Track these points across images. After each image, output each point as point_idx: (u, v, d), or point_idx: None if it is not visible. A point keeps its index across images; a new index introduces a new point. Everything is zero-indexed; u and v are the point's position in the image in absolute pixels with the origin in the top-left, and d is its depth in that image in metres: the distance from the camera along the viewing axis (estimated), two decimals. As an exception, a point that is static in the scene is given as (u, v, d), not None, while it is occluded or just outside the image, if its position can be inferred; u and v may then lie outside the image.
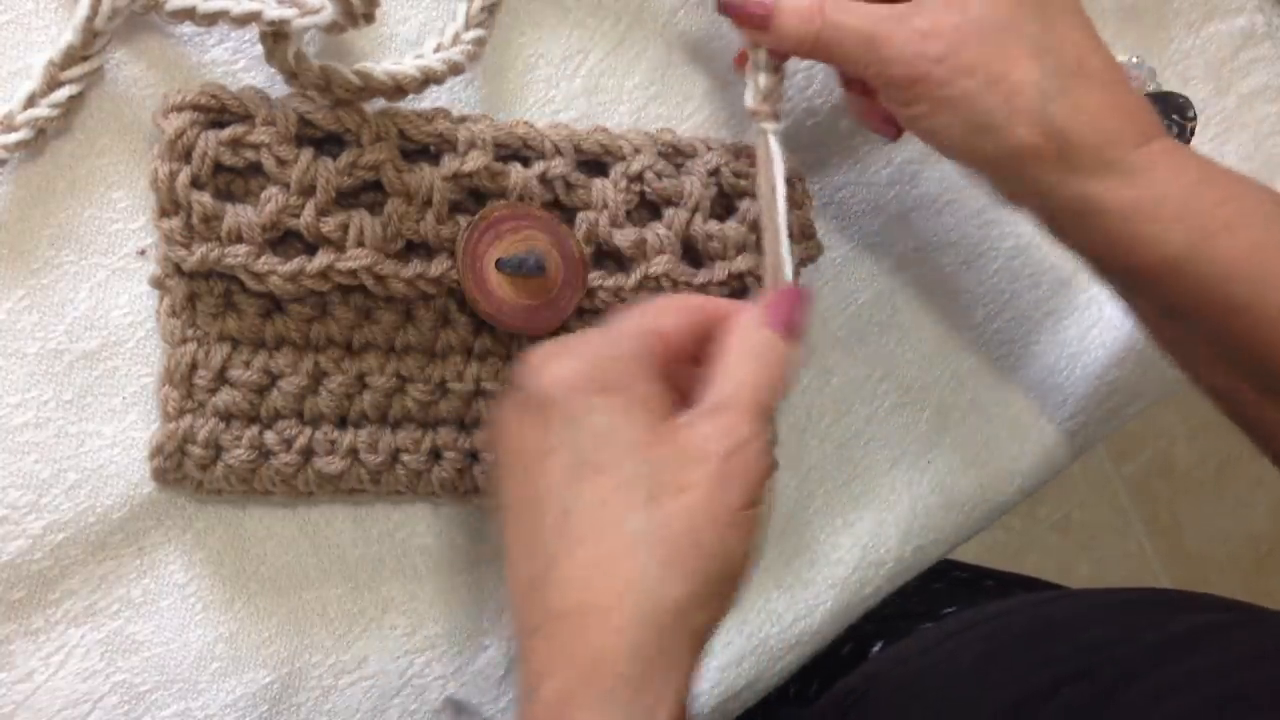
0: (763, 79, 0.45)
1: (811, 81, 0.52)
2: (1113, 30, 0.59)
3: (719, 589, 0.36)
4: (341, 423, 0.45)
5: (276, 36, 0.41)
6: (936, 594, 0.61)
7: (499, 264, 0.43)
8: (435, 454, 0.46)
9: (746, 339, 0.39)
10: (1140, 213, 0.41)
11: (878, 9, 0.42)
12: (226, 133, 0.41)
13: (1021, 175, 0.42)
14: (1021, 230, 0.57)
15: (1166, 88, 0.59)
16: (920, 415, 0.56)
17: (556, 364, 0.37)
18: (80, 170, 0.44)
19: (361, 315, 0.44)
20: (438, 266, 0.44)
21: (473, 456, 0.46)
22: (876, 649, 0.58)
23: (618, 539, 0.35)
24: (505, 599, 0.37)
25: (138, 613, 0.45)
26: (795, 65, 0.52)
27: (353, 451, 0.45)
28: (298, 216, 0.42)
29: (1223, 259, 0.41)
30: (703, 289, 0.47)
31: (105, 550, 0.45)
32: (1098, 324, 0.59)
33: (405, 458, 0.45)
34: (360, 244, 0.42)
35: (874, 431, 0.56)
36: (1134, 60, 0.58)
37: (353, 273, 0.43)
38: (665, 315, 0.40)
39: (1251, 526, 1.67)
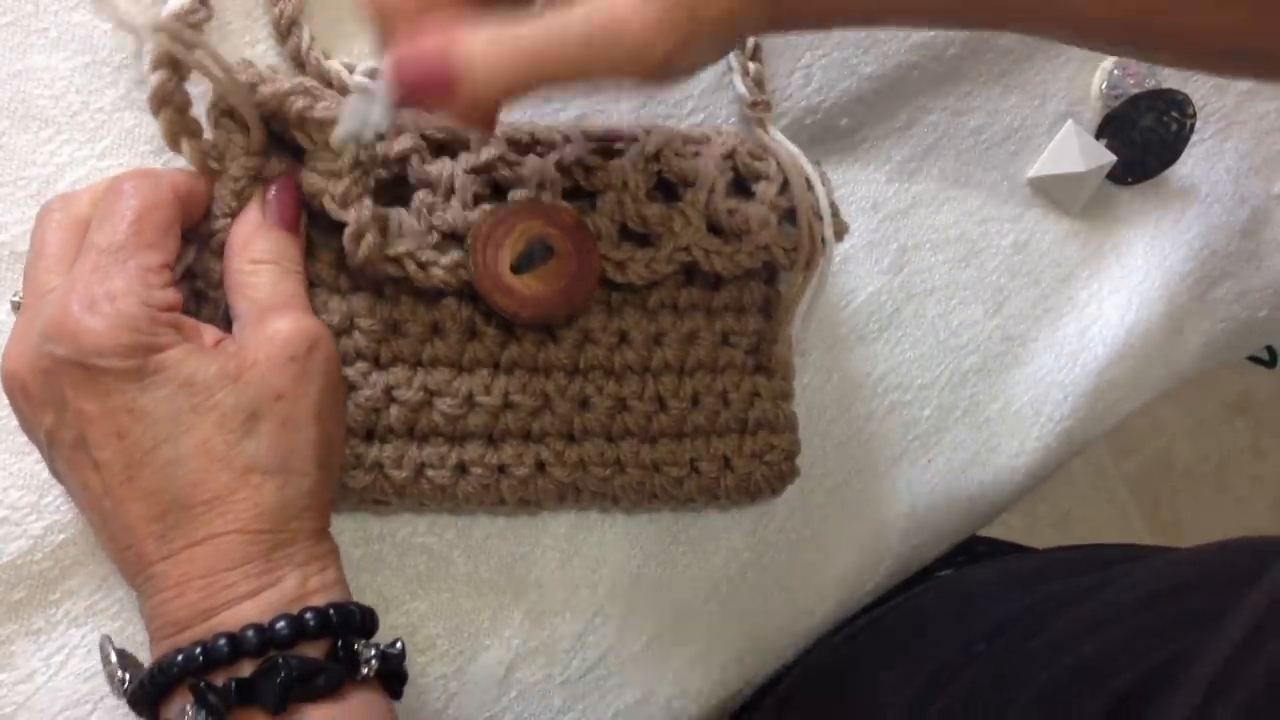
0: (751, 67, 0.46)
1: (810, 80, 0.53)
2: (1111, 28, 0.59)
3: (329, 467, 0.40)
4: (368, 437, 0.44)
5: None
6: None
7: (514, 269, 0.43)
8: (462, 468, 0.45)
9: (254, 250, 0.40)
10: None
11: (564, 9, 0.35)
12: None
13: None
14: (1021, 228, 0.57)
15: (1166, 84, 0.59)
16: (920, 414, 0.56)
17: (87, 325, 0.36)
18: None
19: (388, 328, 0.44)
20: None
21: (501, 470, 0.45)
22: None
23: (229, 470, 0.37)
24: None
25: (138, 613, 0.45)
26: (795, 64, 0.52)
27: (378, 466, 0.44)
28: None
29: None
30: (733, 259, 0.47)
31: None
32: (1097, 321, 0.59)
33: (430, 473, 0.45)
34: (400, 234, 0.42)
35: (874, 429, 0.56)
36: (1133, 58, 0.58)
37: (398, 260, 0.42)
38: (151, 242, 0.39)
39: (1251, 524, 1.67)
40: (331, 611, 0.38)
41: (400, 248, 0.42)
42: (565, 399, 0.46)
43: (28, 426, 0.40)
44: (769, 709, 0.54)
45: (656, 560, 0.52)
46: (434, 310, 0.44)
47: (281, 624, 0.36)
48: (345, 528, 0.48)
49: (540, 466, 0.46)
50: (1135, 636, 0.40)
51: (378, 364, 0.44)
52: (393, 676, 0.39)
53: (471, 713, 0.50)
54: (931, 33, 0.56)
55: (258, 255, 0.41)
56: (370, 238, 0.41)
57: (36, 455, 0.43)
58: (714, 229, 0.47)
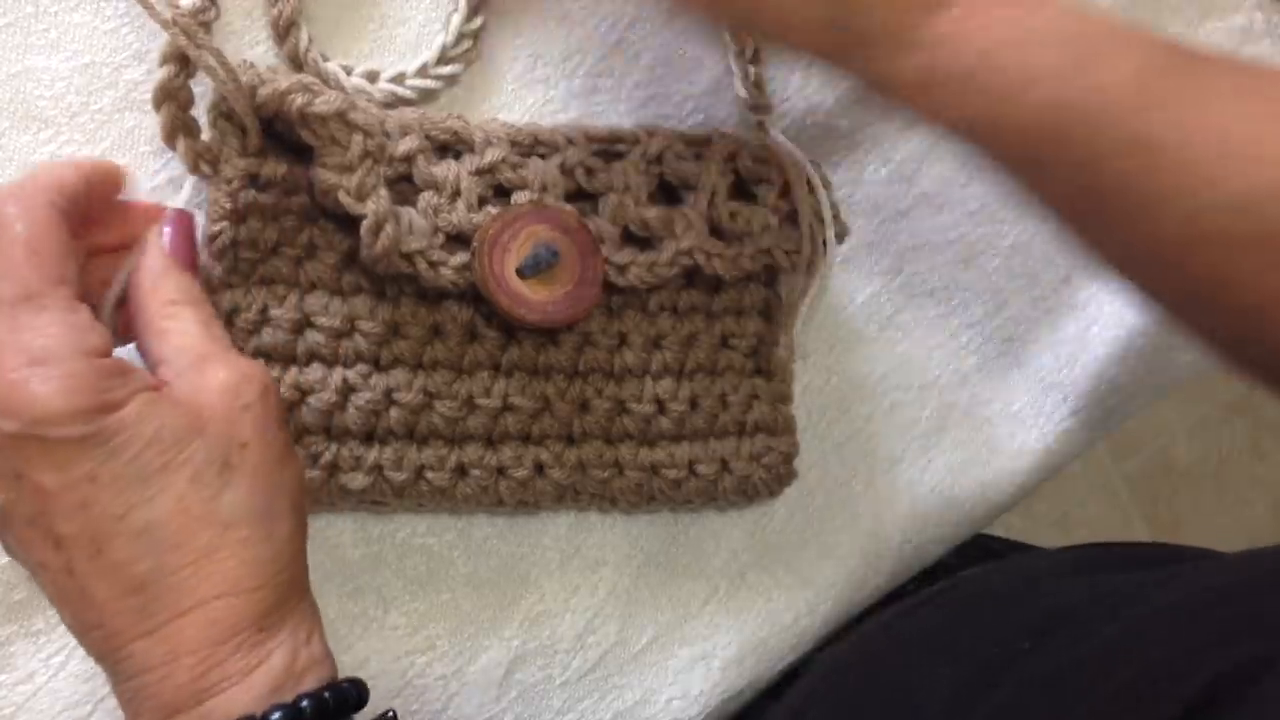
0: (751, 69, 0.46)
1: (810, 81, 0.52)
2: (1111, 28, 0.59)
3: (301, 507, 0.38)
4: (368, 439, 0.44)
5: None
6: None
7: (520, 273, 0.43)
8: (461, 470, 0.45)
9: (164, 293, 0.39)
10: (933, 83, 0.39)
11: None
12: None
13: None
14: (1020, 229, 0.57)
15: (1165, 86, 0.59)
16: (920, 415, 0.56)
17: (35, 394, 0.33)
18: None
19: (390, 330, 0.44)
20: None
21: (500, 472, 0.45)
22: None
23: (211, 526, 0.35)
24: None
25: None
26: (795, 66, 0.52)
27: (377, 468, 0.44)
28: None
29: (1021, 119, 0.38)
30: (735, 261, 0.47)
31: (106, 551, 0.44)
32: (1097, 322, 0.59)
33: (430, 475, 0.44)
34: (410, 232, 0.42)
35: (874, 430, 0.56)
36: (1133, 58, 0.58)
37: (410, 258, 0.42)
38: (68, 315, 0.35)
39: (1251, 524, 1.67)
40: (327, 695, 0.35)
41: (413, 245, 0.42)
42: (565, 401, 0.46)
43: None
44: (781, 713, 0.53)
45: (656, 561, 0.52)
46: (435, 312, 0.44)
47: (277, 716, 0.34)
48: (345, 528, 0.48)
49: (539, 468, 0.46)
50: (1202, 640, 0.38)
51: (378, 366, 0.44)
52: None
53: (471, 713, 0.50)
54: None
55: (172, 296, 0.39)
56: (390, 229, 0.41)
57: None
58: (715, 232, 0.47)
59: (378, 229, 0.41)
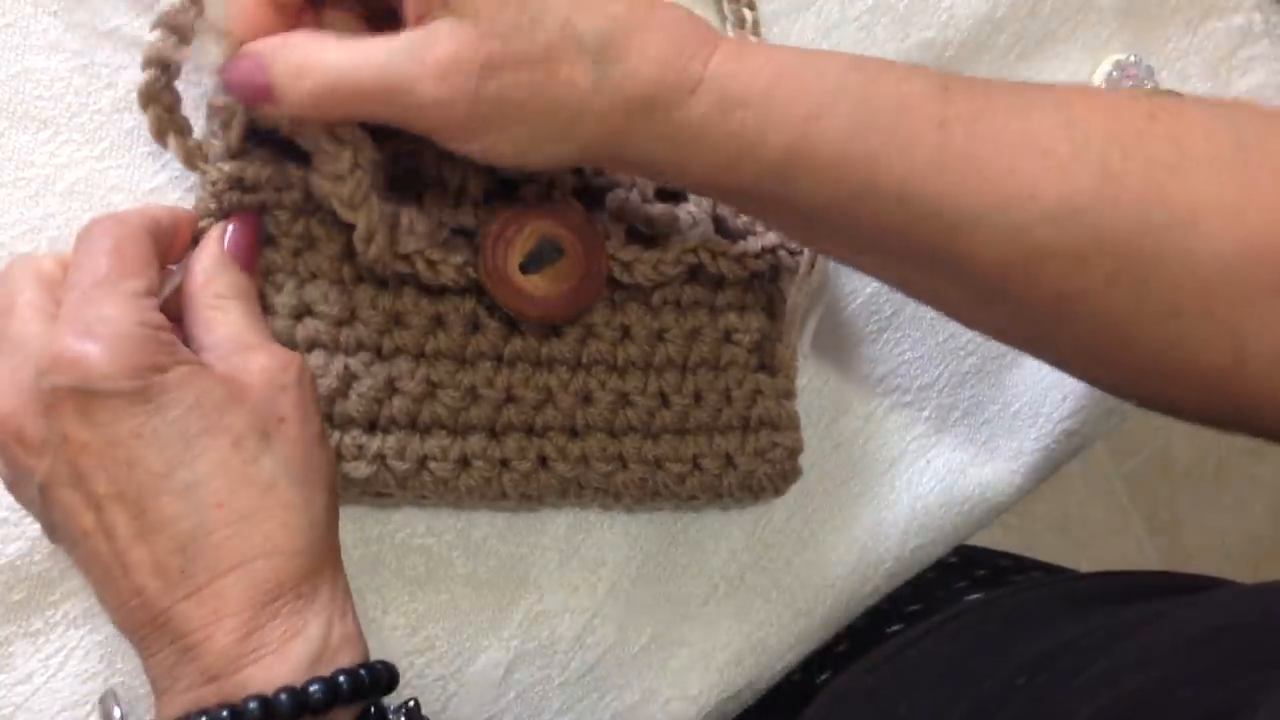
0: None
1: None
2: (1110, 29, 0.59)
3: (332, 495, 0.39)
4: (370, 428, 0.44)
5: None
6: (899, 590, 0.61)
7: (523, 268, 0.43)
8: (464, 461, 0.45)
9: (217, 286, 0.40)
10: (727, 134, 0.37)
11: (378, 45, 0.36)
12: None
13: (620, 152, 0.39)
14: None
15: (1164, 86, 0.59)
16: (919, 414, 0.56)
17: (86, 351, 0.35)
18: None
19: (391, 320, 0.44)
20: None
21: (503, 464, 0.45)
22: (843, 649, 0.58)
23: (252, 488, 0.36)
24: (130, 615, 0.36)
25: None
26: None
27: (380, 457, 0.44)
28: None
29: (821, 153, 0.37)
30: (740, 260, 0.47)
31: (105, 552, 0.45)
32: (1096, 323, 0.59)
33: (433, 465, 0.45)
34: (411, 232, 0.42)
35: (873, 431, 0.56)
36: (1131, 59, 0.58)
37: (407, 259, 0.42)
38: (131, 260, 0.38)
39: (1250, 525, 1.67)
40: (363, 673, 0.36)
41: (410, 246, 0.42)
42: (568, 393, 0.46)
43: (18, 481, 0.37)
44: None
45: (656, 561, 0.52)
46: (437, 303, 0.44)
47: (315, 688, 0.35)
48: (345, 528, 0.47)
49: (543, 461, 0.46)
50: (1183, 677, 0.38)
51: (380, 355, 0.44)
52: None
53: (470, 713, 0.50)
54: (930, 34, 0.56)
55: (222, 290, 0.40)
56: (380, 239, 0.41)
57: (35, 456, 0.43)
58: (720, 230, 0.47)
59: (368, 239, 0.41)
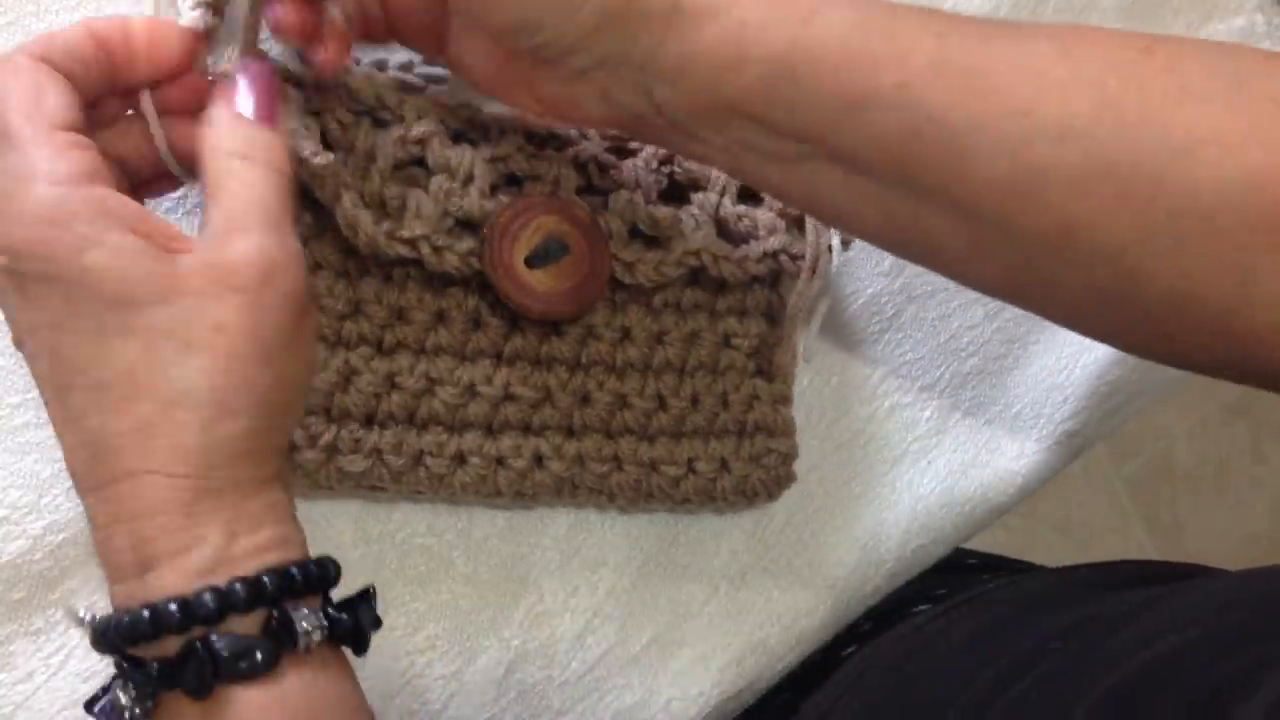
0: None
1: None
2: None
3: (280, 411, 0.35)
4: (368, 422, 0.44)
5: None
6: (925, 577, 0.61)
7: (529, 263, 0.43)
8: (460, 458, 0.45)
9: (228, 143, 0.36)
10: (732, 24, 0.36)
11: None
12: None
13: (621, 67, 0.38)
14: (1021, 230, 0.57)
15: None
16: (920, 415, 0.56)
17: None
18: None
19: (393, 315, 0.44)
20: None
21: (499, 462, 0.45)
22: (868, 628, 0.58)
23: (153, 400, 0.33)
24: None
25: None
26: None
27: (376, 452, 0.44)
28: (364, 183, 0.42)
29: (821, 51, 0.36)
30: (741, 264, 0.47)
31: (105, 551, 0.44)
32: (1097, 324, 0.59)
33: (429, 460, 0.45)
34: (418, 216, 0.42)
35: (874, 431, 0.56)
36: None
37: (412, 243, 0.42)
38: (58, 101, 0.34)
39: (1251, 526, 1.67)
40: (265, 579, 0.33)
41: (416, 230, 0.42)
42: (566, 393, 0.46)
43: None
44: (811, 710, 0.53)
45: (656, 561, 0.52)
46: (441, 298, 0.44)
47: (207, 596, 0.32)
48: (345, 528, 0.48)
49: (539, 459, 0.46)
50: (1214, 640, 0.38)
51: (381, 349, 0.44)
52: (349, 636, 0.35)
53: (470, 713, 0.50)
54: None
55: (235, 148, 0.36)
56: (366, 227, 0.41)
57: (36, 455, 0.43)
58: (723, 233, 0.47)
59: (353, 227, 0.41)
